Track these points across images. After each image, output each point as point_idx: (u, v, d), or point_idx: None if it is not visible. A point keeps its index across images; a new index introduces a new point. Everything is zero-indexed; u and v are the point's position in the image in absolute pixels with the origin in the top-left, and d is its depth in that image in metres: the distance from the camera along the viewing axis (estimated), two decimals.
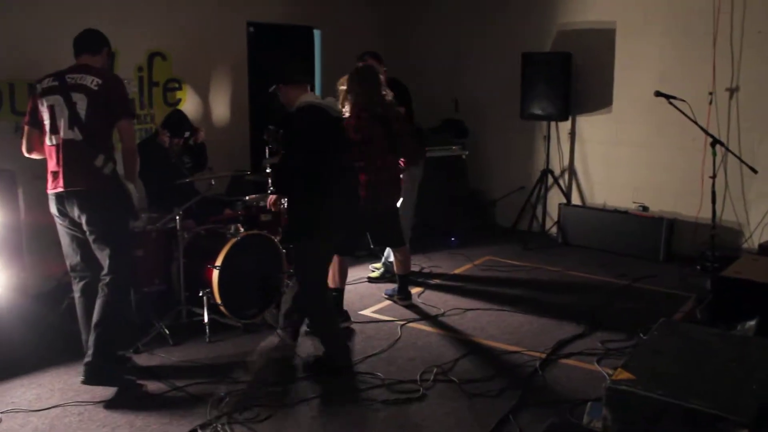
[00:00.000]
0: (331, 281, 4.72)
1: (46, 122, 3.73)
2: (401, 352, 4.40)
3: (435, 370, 4.09)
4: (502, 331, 4.77)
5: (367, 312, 5.12)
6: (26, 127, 3.87)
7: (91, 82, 3.70)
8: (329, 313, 4.21)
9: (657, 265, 6.32)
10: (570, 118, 7.10)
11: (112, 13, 5.44)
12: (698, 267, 6.03)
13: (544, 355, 4.30)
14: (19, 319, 4.26)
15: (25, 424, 3.48)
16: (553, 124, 7.20)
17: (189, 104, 6.27)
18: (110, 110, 3.75)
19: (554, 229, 7.27)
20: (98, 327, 3.72)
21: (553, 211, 7.33)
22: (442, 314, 5.06)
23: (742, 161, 5.85)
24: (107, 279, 3.77)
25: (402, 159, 4.98)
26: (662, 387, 2.57)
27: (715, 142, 5.68)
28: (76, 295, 3.93)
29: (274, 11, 7.00)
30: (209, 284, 4.61)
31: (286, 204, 4.55)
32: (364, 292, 5.57)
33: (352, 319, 4.84)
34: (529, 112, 7.03)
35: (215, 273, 4.54)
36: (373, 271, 5.96)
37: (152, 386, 3.89)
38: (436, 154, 7.08)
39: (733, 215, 6.20)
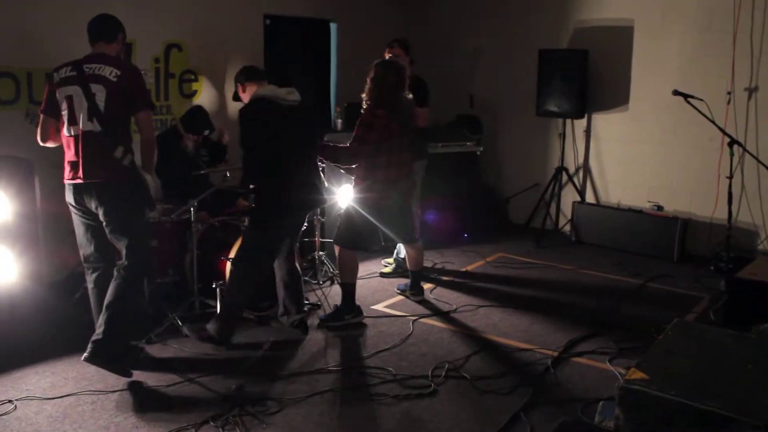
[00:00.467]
0: (344, 276, 4.74)
1: (64, 113, 3.72)
2: (413, 347, 4.40)
3: (447, 366, 4.09)
4: (514, 328, 4.76)
5: (379, 307, 5.12)
6: (41, 116, 3.86)
7: (110, 73, 3.70)
8: (244, 295, 4.40)
9: (671, 265, 6.28)
10: (586, 116, 7.06)
11: (129, 4, 5.44)
12: (712, 268, 5.99)
13: (556, 354, 4.29)
14: (34, 307, 4.29)
15: (40, 412, 3.51)
16: (568, 121, 7.16)
17: (205, 96, 6.28)
18: (129, 101, 3.76)
19: (568, 227, 7.24)
20: (110, 308, 3.74)
21: (566, 209, 7.30)
22: (454, 310, 5.06)
23: (759, 162, 5.80)
24: (124, 263, 3.81)
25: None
26: (676, 387, 2.56)
27: (733, 142, 5.64)
28: (89, 285, 3.96)
29: (291, 4, 7.00)
30: (222, 276, 4.63)
31: None
32: (377, 286, 5.58)
33: (365, 314, 4.84)
34: (544, 109, 7.00)
35: (229, 265, 4.56)
36: (386, 267, 5.96)
37: (164, 377, 3.91)
38: (451, 149, 7.07)
39: (749, 216, 6.15)
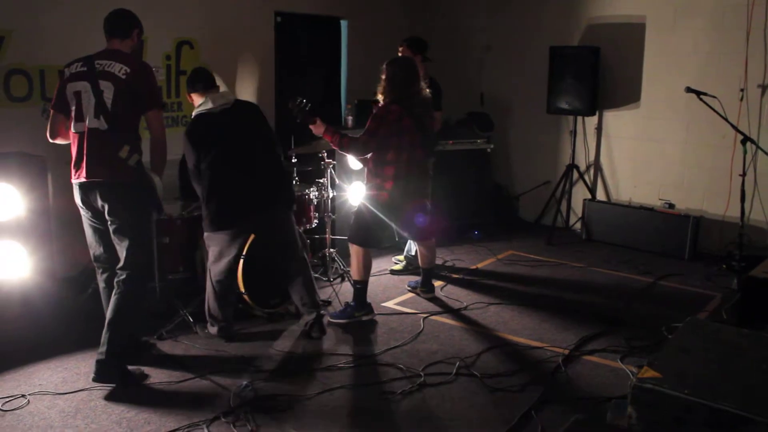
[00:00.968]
0: (356, 273, 4.74)
1: (72, 108, 3.68)
2: (424, 344, 4.40)
3: (457, 363, 4.09)
4: (525, 326, 4.75)
5: (390, 304, 5.12)
6: (51, 111, 3.81)
7: (120, 70, 3.64)
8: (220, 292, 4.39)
9: (682, 263, 6.25)
10: (597, 113, 7.03)
11: (141, 0, 5.46)
12: (724, 266, 5.95)
13: (567, 351, 4.28)
14: (47, 303, 4.31)
15: (52, 407, 3.53)
16: (579, 118, 7.13)
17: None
18: (138, 100, 3.70)
19: (578, 225, 7.22)
20: (111, 326, 3.70)
21: (577, 206, 7.28)
22: (465, 308, 5.05)
23: None
24: (123, 276, 3.74)
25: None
26: (689, 386, 2.54)
27: (746, 139, 5.60)
28: (101, 285, 3.96)
29: (302, 1, 6.99)
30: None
31: None
32: (387, 283, 5.58)
33: (375, 311, 4.84)
34: (555, 107, 6.98)
35: (240, 262, 4.56)
36: (396, 264, 5.96)
37: (176, 373, 3.93)
38: (461, 147, 7.06)
39: (762, 214, 6.11)
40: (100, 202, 3.69)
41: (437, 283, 5.46)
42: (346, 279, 5.45)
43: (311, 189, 5.36)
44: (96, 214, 3.77)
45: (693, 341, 3.03)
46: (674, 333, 3.19)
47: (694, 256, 6.36)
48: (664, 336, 4.31)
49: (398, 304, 5.13)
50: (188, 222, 4.81)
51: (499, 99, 7.85)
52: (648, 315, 4.96)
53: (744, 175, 5.67)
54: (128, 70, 3.66)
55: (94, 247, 3.90)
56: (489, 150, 7.33)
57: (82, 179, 3.67)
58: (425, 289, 5.26)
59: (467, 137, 7.18)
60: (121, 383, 3.73)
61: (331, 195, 5.41)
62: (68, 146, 3.90)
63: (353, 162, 5.32)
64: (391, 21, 7.78)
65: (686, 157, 6.58)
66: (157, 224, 4.55)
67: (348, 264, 5.07)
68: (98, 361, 3.70)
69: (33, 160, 4.34)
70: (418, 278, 5.37)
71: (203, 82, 4.27)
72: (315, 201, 5.38)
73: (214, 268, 4.33)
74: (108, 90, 3.62)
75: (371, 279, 4.92)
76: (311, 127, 4.62)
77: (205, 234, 4.33)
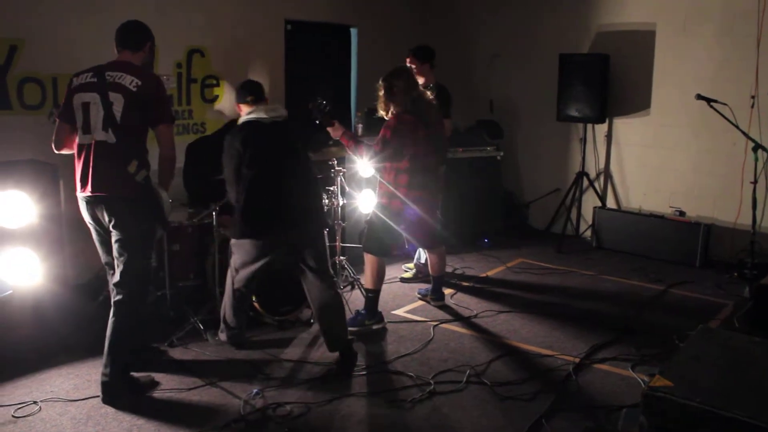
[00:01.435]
0: (370, 282, 4.73)
1: (79, 120, 3.61)
2: (434, 352, 4.40)
3: (468, 371, 4.08)
4: (535, 334, 4.73)
5: (400, 312, 5.12)
6: (57, 120, 3.74)
7: (131, 82, 3.56)
8: (236, 299, 4.35)
9: (693, 271, 6.22)
10: (607, 121, 7.02)
11: (152, 9, 5.50)
12: (736, 274, 5.92)
13: (578, 360, 4.27)
14: (59, 309, 4.33)
15: (64, 413, 3.55)
16: (589, 126, 7.12)
17: (226, 101, 6.32)
18: (148, 113, 3.62)
19: (588, 233, 7.20)
20: (112, 348, 3.64)
21: (587, 214, 7.26)
22: (475, 316, 5.05)
23: None
24: (119, 297, 3.67)
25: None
26: (701, 395, 2.54)
27: (757, 146, 5.57)
28: (112, 292, 3.97)
29: (312, 10, 7.03)
30: None
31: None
32: (397, 291, 5.57)
33: (386, 320, 4.84)
34: (565, 114, 6.97)
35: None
36: (406, 272, 5.96)
37: (186, 380, 3.94)
38: (471, 154, 7.06)
39: None
40: (106, 217, 3.62)
41: (447, 291, 5.46)
42: (357, 287, 5.46)
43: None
44: (102, 226, 3.73)
45: (705, 349, 3.02)
46: (686, 341, 3.18)
47: (705, 263, 6.33)
48: (676, 344, 4.28)
49: (408, 312, 5.13)
50: (199, 229, 4.83)
51: (509, 106, 7.85)
52: (659, 323, 4.94)
53: (755, 182, 5.65)
54: (139, 83, 3.58)
55: (104, 256, 3.88)
56: (499, 157, 7.33)
57: (88, 193, 3.61)
58: (435, 297, 5.26)
59: (477, 145, 7.18)
60: (131, 395, 3.73)
61: (341, 203, 5.41)
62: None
63: (363, 170, 5.33)
64: (400, 29, 7.81)
65: (697, 165, 6.56)
66: (167, 232, 4.57)
67: (358, 272, 5.07)
68: (104, 384, 3.67)
69: (45, 168, 4.37)
70: (428, 286, 5.36)
71: (254, 94, 4.26)
72: (325, 208, 5.38)
73: (236, 276, 4.29)
74: (118, 102, 3.54)
75: (382, 287, 4.91)
76: (329, 129, 4.66)
77: (233, 241, 4.29)
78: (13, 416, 3.50)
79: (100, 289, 4.75)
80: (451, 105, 5.65)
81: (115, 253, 3.69)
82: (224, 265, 4.68)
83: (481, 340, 4.62)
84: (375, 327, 4.73)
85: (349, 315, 4.80)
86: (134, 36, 3.75)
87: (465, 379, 3.99)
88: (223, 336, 4.42)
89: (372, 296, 4.75)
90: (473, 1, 8.05)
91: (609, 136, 7.14)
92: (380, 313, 4.82)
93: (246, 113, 4.20)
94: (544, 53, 7.34)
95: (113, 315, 3.69)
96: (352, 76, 7.62)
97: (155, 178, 3.78)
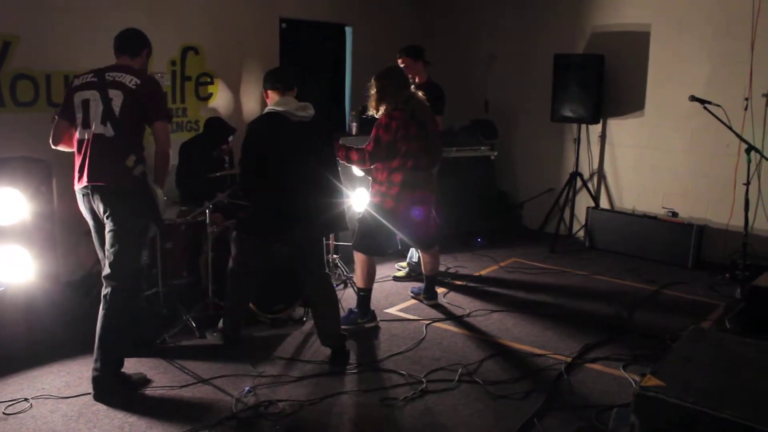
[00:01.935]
0: (361, 281, 4.74)
1: (79, 116, 3.69)
2: (426, 351, 4.40)
3: (460, 370, 4.08)
4: (528, 333, 4.74)
5: (393, 310, 5.12)
6: (56, 118, 3.82)
7: (130, 81, 3.66)
8: (233, 292, 4.35)
9: (685, 272, 6.24)
10: (601, 121, 7.04)
11: (147, 7, 5.49)
12: (728, 275, 5.94)
13: (569, 359, 4.27)
14: (51, 307, 4.32)
15: (55, 411, 3.54)
16: (583, 126, 7.14)
17: (220, 99, 6.31)
18: (146, 110, 3.70)
19: (581, 233, 7.22)
20: (102, 342, 3.66)
21: (580, 214, 7.27)
22: (468, 315, 5.05)
23: None
24: (108, 289, 3.68)
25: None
26: (693, 395, 2.54)
27: (750, 148, 5.59)
28: (103, 299, 3.95)
29: (307, 8, 7.03)
30: None
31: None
32: (390, 290, 5.58)
33: (378, 318, 4.84)
34: (559, 114, 6.98)
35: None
36: (399, 270, 5.96)
37: (178, 378, 3.93)
38: (465, 154, 7.06)
39: (766, 224, 6.10)
40: (101, 207, 3.65)
41: (440, 290, 5.46)
42: (349, 285, 5.45)
43: None
44: (99, 221, 3.75)
45: (697, 350, 3.03)
46: (678, 342, 3.18)
47: (697, 264, 6.35)
48: (668, 345, 4.29)
49: (401, 310, 5.13)
50: (192, 227, 4.82)
51: (504, 106, 7.86)
52: (651, 324, 4.95)
53: (748, 184, 5.67)
54: (138, 82, 3.68)
55: (100, 251, 3.87)
56: (493, 157, 7.34)
57: (84, 183, 3.66)
58: (428, 296, 5.26)
59: (471, 144, 7.19)
60: (122, 390, 3.72)
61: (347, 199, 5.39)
62: (73, 152, 3.91)
63: (357, 169, 5.32)
64: (395, 28, 7.81)
65: (690, 166, 6.58)
66: (160, 230, 4.57)
67: (351, 270, 5.07)
68: (95, 379, 3.66)
69: (38, 165, 4.35)
70: (421, 285, 5.37)
71: (283, 82, 4.16)
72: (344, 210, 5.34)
73: (237, 269, 4.29)
74: (117, 98, 3.63)
75: (374, 285, 4.91)
76: None
77: (235, 234, 4.29)
78: (4, 413, 3.49)
79: (92, 287, 4.73)
80: (443, 102, 5.65)
81: (107, 244, 3.69)
82: (217, 263, 4.68)
83: (474, 339, 4.63)
84: (368, 325, 4.74)
85: (342, 313, 4.81)
86: (133, 42, 3.87)
87: (457, 378, 3.99)
88: (214, 335, 4.41)
89: (364, 294, 4.76)
90: (469, 1, 8.05)
91: (603, 137, 7.15)
92: (373, 311, 4.82)
93: (273, 102, 4.12)
94: (539, 53, 7.36)
95: (103, 308, 3.69)
96: (347, 75, 7.62)
97: (151, 175, 3.80)
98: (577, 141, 7.12)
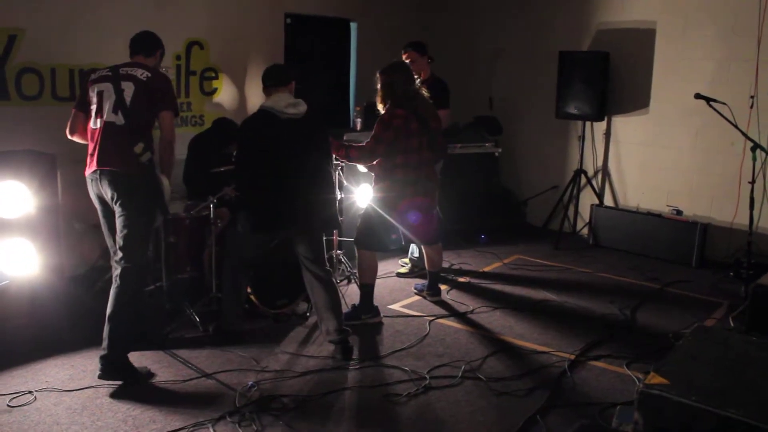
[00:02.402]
0: (363, 276, 4.74)
1: (93, 107, 3.85)
2: (429, 347, 4.40)
3: (463, 366, 4.08)
4: (531, 330, 4.74)
5: (396, 306, 5.12)
6: (73, 110, 4.01)
7: (141, 74, 3.87)
8: (234, 286, 4.38)
9: (689, 270, 6.23)
10: (606, 119, 7.02)
11: (152, 1, 5.49)
12: (732, 274, 5.93)
13: (573, 357, 4.27)
14: (55, 300, 4.32)
15: (59, 403, 3.55)
16: (588, 123, 7.12)
17: (225, 94, 6.31)
18: (155, 101, 3.87)
19: (585, 230, 7.21)
20: (112, 320, 3.74)
21: (585, 211, 7.26)
22: (471, 311, 5.05)
23: None
24: (120, 270, 3.79)
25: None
26: (697, 393, 2.54)
27: (756, 146, 5.57)
28: (114, 270, 3.97)
29: (312, 3, 7.02)
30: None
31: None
32: (394, 286, 5.58)
33: (382, 314, 4.84)
34: (564, 111, 6.97)
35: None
36: (402, 266, 5.96)
37: (182, 372, 3.94)
38: (469, 150, 7.05)
39: None
40: (109, 192, 3.78)
41: (443, 287, 5.46)
42: (353, 281, 5.46)
43: None
44: (107, 207, 3.87)
45: (701, 348, 3.02)
46: (682, 340, 3.18)
47: (701, 263, 6.34)
48: (671, 343, 4.29)
49: (404, 306, 5.13)
50: (196, 222, 4.82)
51: (508, 103, 7.85)
52: (654, 321, 4.94)
53: (753, 182, 5.64)
54: (149, 75, 3.90)
55: (108, 239, 3.99)
56: (497, 154, 7.33)
57: (93, 168, 3.80)
58: (431, 292, 5.26)
59: (475, 141, 7.17)
60: (127, 380, 3.75)
61: (338, 197, 5.41)
62: (81, 145, 3.96)
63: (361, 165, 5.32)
64: (400, 23, 7.80)
65: (695, 164, 6.56)
66: (164, 224, 4.58)
67: (355, 266, 5.07)
68: (102, 357, 3.73)
69: (43, 158, 4.35)
70: (424, 281, 5.37)
71: (272, 79, 4.20)
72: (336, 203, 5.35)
73: (232, 263, 4.32)
74: (129, 89, 3.82)
75: (378, 281, 4.92)
76: None
77: (235, 229, 4.31)
78: (8, 406, 3.50)
79: (95, 281, 4.74)
80: (448, 95, 5.65)
81: (117, 229, 3.82)
82: (221, 258, 4.68)
83: (477, 335, 4.63)
84: (371, 321, 4.74)
85: (345, 309, 4.82)
86: (147, 43, 4.08)
87: (460, 375, 3.99)
88: (219, 326, 4.41)
89: (366, 290, 4.76)
90: None
91: (608, 134, 7.14)
92: (376, 307, 4.82)
93: (265, 100, 4.18)
94: (544, 50, 7.33)
95: (114, 288, 3.78)
96: (352, 71, 7.61)
97: (158, 165, 3.92)
98: (582, 138, 7.10)
